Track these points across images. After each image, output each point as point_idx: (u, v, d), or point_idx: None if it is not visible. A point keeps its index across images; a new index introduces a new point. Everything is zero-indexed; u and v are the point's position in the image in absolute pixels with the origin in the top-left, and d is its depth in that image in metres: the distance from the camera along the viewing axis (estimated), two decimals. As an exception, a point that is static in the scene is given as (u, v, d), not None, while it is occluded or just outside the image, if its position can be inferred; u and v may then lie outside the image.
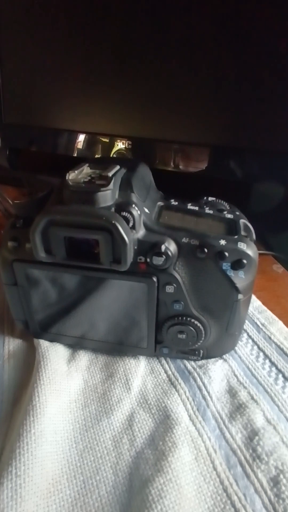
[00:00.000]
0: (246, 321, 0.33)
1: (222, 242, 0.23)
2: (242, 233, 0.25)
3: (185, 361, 0.29)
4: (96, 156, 0.48)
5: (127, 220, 0.22)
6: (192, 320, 0.26)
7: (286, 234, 0.47)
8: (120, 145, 0.46)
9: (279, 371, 0.29)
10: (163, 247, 0.23)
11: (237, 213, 0.27)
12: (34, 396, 0.25)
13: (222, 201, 0.29)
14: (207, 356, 0.29)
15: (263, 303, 0.36)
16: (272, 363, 0.29)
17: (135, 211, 0.23)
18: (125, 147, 0.45)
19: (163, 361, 0.30)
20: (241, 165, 0.41)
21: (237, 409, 0.26)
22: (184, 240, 0.24)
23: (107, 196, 0.22)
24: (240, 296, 0.24)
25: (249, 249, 0.24)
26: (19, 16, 0.45)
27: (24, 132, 0.53)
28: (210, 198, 0.29)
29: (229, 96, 0.39)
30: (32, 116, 0.50)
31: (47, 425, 0.24)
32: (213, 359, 0.29)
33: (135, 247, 0.23)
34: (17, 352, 0.30)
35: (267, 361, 0.30)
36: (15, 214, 0.27)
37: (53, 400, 0.25)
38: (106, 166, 0.24)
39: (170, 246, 0.23)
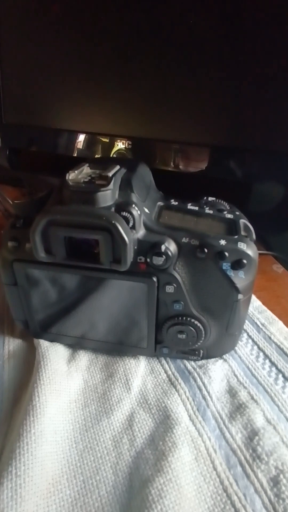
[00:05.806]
0: (246, 321, 0.33)
1: (222, 242, 0.23)
2: (242, 233, 0.25)
3: (185, 361, 0.29)
4: (96, 156, 0.48)
5: (127, 220, 0.22)
6: (192, 320, 0.26)
7: (286, 234, 0.47)
8: (120, 145, 0.46)
9: (279, 371, 0.29)
10: (163, 247, 0.23)
11: (237, 213, 0.27)
12: (34, 396, 0.25)
13: (222, 201, 0.29)
14: (207, 356, 0.29)
15: (263, 303, 0.36)
16: (272, 363, 0.29)
17: (135, 211, 0.23)
18: (125, 147, 0.45)
19: (163, 361, 0.30)
20: (241, 165, 0.41)
21: (237, 409, 0.26)
22: (184, 240, 0.24)
23: (107, 196, 0.22)
24: (240, 296, 0.24)
25: (249, 249, 0.24)
26: (19, 16, 0.45)
27: (24, 132, 0.53)
28: (210, 198, 0.29)
29: (229, 96, 0.39)
30: (32, 116, 0.50)
31: (47, 425, 0.24)
32: (213, 359, 0.29)
33: (135, 247, 0.23)
34: (17, 352, 0.30)
35: (267, 361, 0.30)
36: (15, 214, 0.27)
37: (53, 400, 0.25)
38: (106, 166, 0.24)
39: (170, 246, 0.23)
